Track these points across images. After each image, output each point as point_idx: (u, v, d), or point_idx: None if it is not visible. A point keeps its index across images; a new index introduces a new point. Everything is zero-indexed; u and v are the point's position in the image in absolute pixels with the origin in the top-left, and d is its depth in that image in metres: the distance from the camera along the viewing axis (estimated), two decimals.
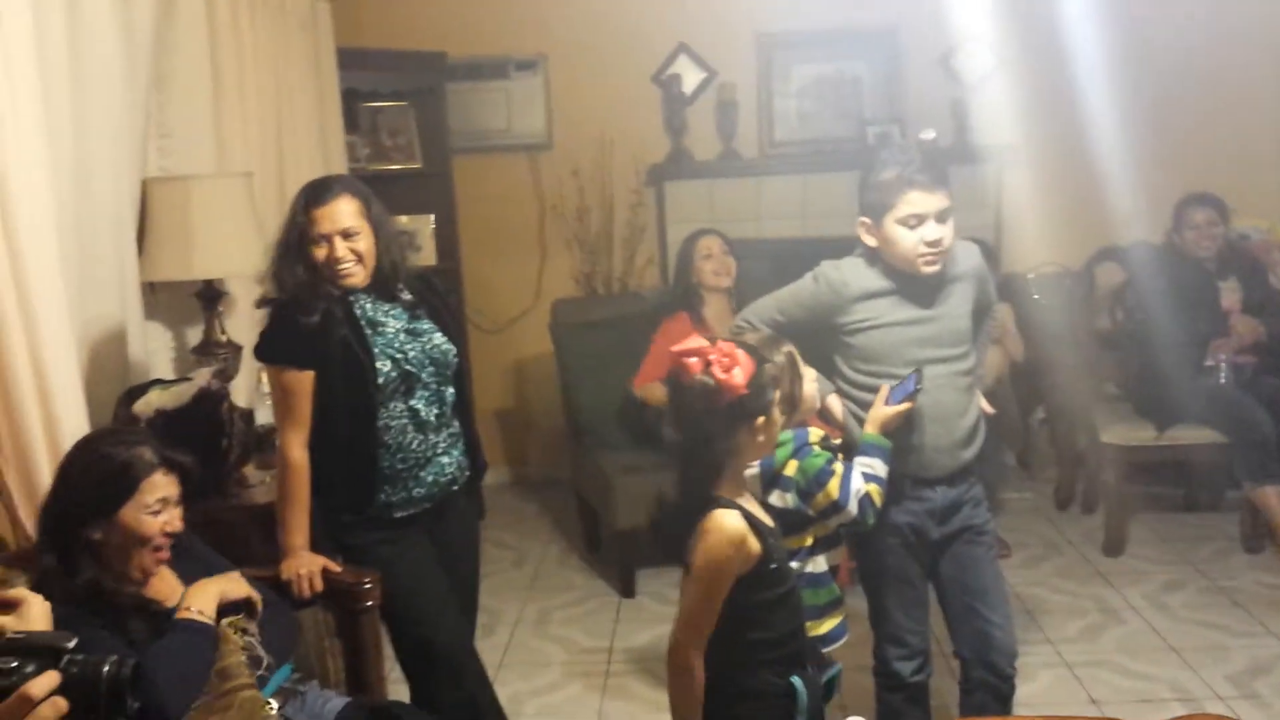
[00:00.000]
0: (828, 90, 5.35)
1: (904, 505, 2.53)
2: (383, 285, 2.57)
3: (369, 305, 2.56)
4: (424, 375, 2.55)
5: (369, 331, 2.53)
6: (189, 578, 2.18)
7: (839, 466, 2.35)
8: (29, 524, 2.25)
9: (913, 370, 2.42)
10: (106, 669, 1.11)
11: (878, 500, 2.36)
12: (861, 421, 2.47)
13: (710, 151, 5.33)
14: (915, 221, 2.40)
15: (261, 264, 2.62)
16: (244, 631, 2.14)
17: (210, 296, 3.20)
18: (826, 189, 5.15)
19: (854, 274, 2.52)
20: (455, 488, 2.66)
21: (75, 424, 2.30)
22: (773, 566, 1.93)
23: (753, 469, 2.28)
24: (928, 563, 2.60)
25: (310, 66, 4.13)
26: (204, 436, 2.77)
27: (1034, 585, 4.05)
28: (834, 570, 2.47)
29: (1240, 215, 4.63)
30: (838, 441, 2.49)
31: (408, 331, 2.58)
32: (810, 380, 2.28)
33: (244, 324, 3.35)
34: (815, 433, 2.41)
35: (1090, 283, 4.76)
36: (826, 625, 2.40)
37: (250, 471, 3.04)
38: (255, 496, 2.93)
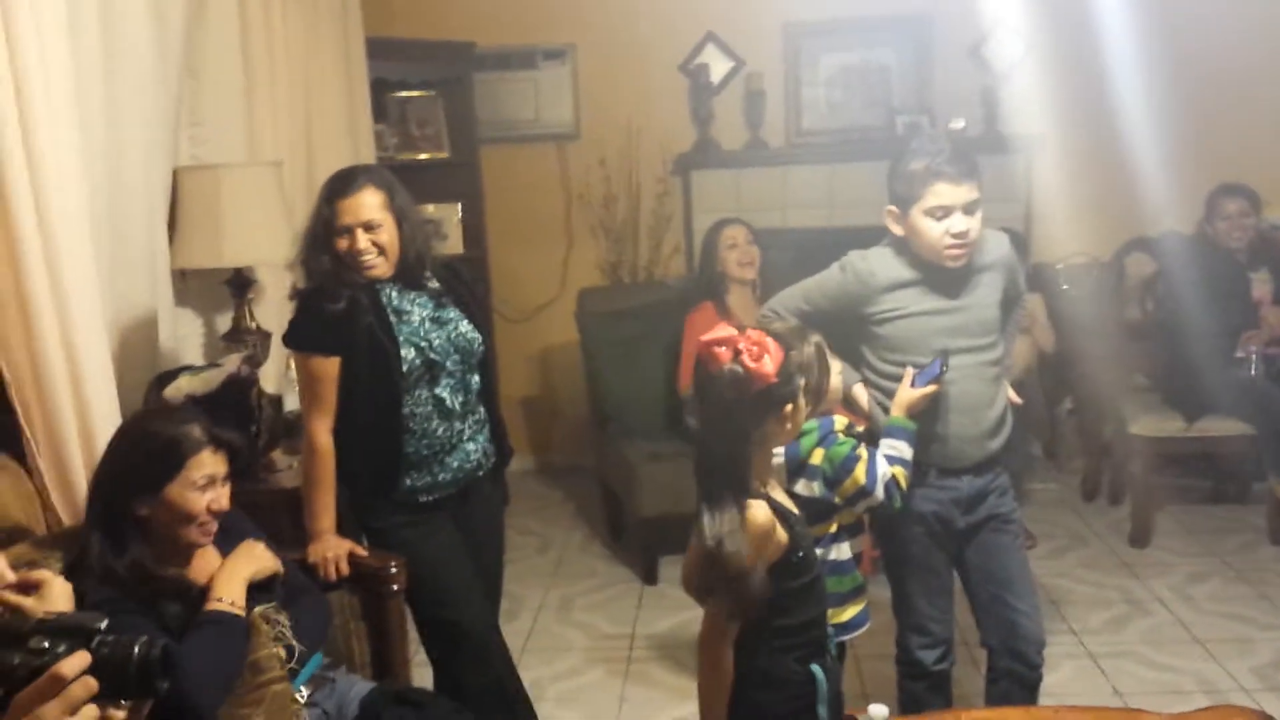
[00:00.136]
0: (855, 79, 5.33)
1: (929, 494, 2.52)
2: (408, 274, 2.59)
3: (395, 294, 2.59)
4: (448, 363, 2.58)
5: (394, 319, 2.55)
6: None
7: (864, 452, 2.36)
8: (61, 508, 2.29)
9: (938, 354, 2.42)
10: (136, 650, 1.12)
11: (903, 483, 2.37)
12: (888, 411, 2.47)
13: (737, 141, 5.32)
14: (942, 213, 2.39)
15: (290, 252, 2.65)
16: (275, 622, 2.14)
17: (240, 284, 3.23)
18: (853, 179, 5.12)
19: (881, 264, 2.51)
20: (480, 474, 2.69)
21: (106, 409, 2.33)
22: (799, 555, 1.93)
23: (778, 458, 2.28)
24: (954, 552, 2.60)
25: (340, 56, 4.16)
26: (233, 422, 2.79)
27: (1059, 576, 4.04)
28: (857, 558, 2.47)
29: (1272, 206, 4.58)
30: (861, 429, 2.49)
31: (433, 320, 2.60)
32: (835, 373, 2.28)
33: (273, 311, 3.39)
34: (840, 420, 2.42)
35: (1120, 273, 4.73)
36: (849, 612, 2.41)
37: (278, 456, 3.07)
38: (283, 481, 2.96)
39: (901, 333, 2.50)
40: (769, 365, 1.84)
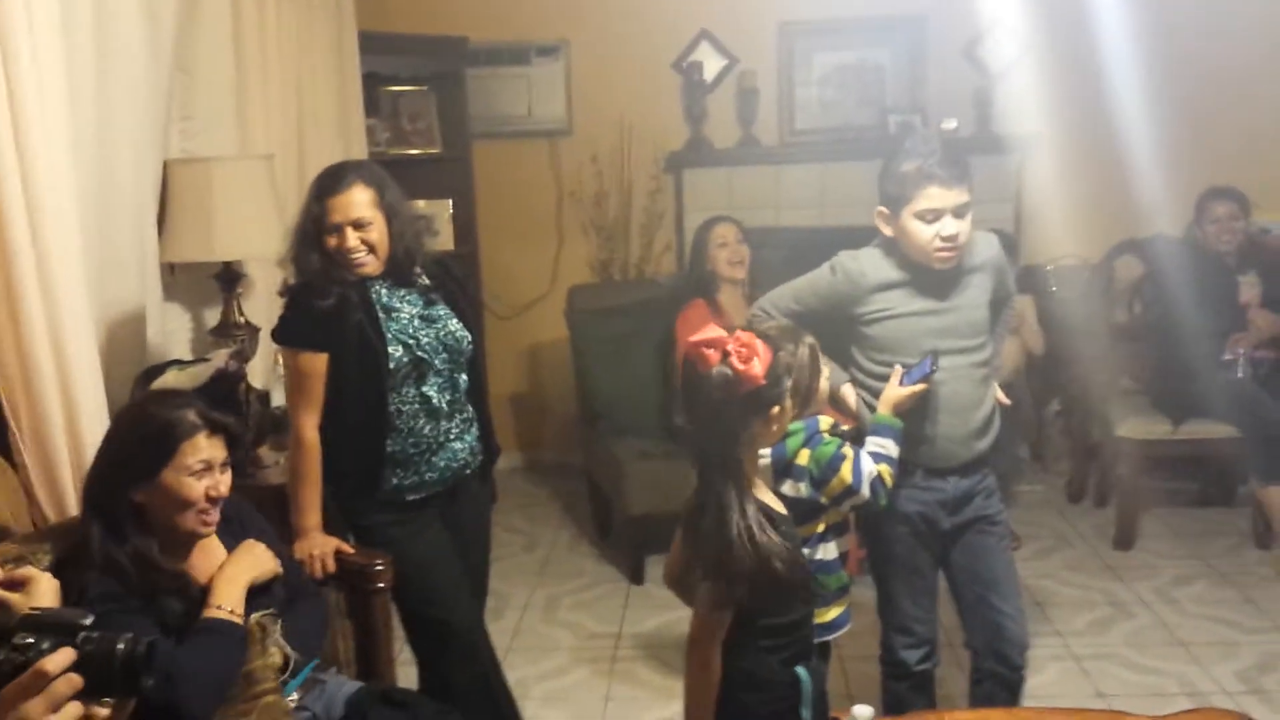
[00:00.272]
0: (849, 78, 5.34)
1: (915, 494, 2.54)
2: (398, 271, 2.59)
3: (384, 291, 2.58)
4: (437, 361, 2.57)
5: (383, 317, 2.55)
6: None
7: (849, 451, 2.37)
8: (47, 503, 2.28)
9: (928, 353, 2.42)
10: (121, 646, 1.13)
11: (889, 480, 2.37)
12: (875, 410, 2.48)
13: (730, 139, 5.32)
14: (932, 216, 2.40)
15: (281, 247, 2.64)
16: (271, 631, 2.11)
17: (229, 278, 3.22)
18: (846, 178, 5.13)
19: (871, 264, 2.52)
20: (468, 472, 2.68)
21: (93, 404, 2.33)
22: (772, 560, 1.93)
23: (764, 459, 2.29)
24: (939, 552, 2.61)
25: (332, 50, 4.15)
26: None
27: (1044, 578, 4.05)
28: (843, 558, 2.48)
29: (1262, 209, 4.60)
30: (846, 428, 2.49)
31: (422, 317, 2.60)
32: (824, 377, 2.29)
33: (262, 306, 3.38)
34: (825, 420, 2.42)
35: (1109, 275, 4.74)
36: (832, 612, 2.42)
37: (265, 452, 3.07)
38: (270, 477, 2.96)
39: (890, 333, 2.50)
40: (758, 368, 1.85)
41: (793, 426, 2.32)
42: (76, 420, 2.28)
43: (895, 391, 2.43)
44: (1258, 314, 4.27)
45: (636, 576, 4.16)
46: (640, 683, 3.42)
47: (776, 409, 1.93)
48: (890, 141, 5.00)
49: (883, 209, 2.49)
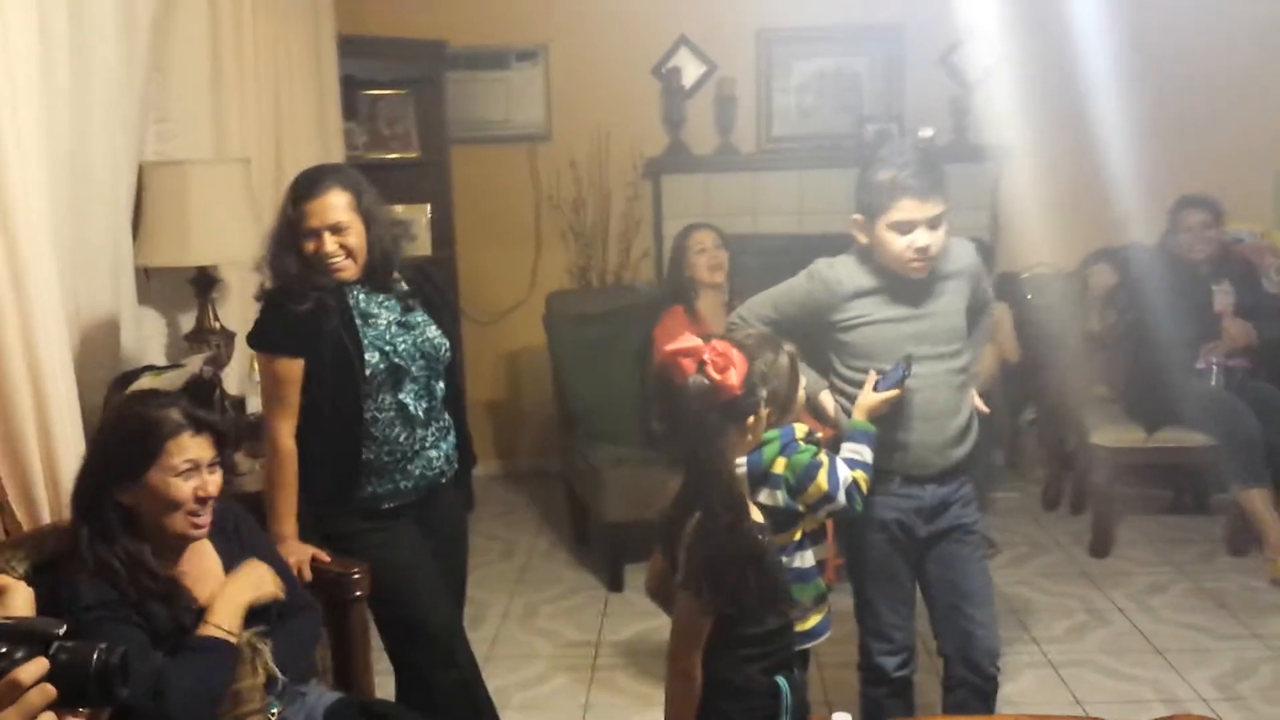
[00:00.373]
0: (828, 86, 5.36)
1: (892, 502, 2.54)
2: (375, 276, 2.57)
3: (362, 297, 2.57)
4: (413, 369, 2.56)
5: (360, 323, 2.53)
6: (230, 564, 2.14)
7: (824, 458, 2.37)
8: (19, 510, 2.25)
9: (903, 359, 2.43)
10: (95, 657, 1.11)
11: (864, 486, 2.38)
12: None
13: (708, 146, 5.33)
14: (906, 227, 2.41)
15: (257, 251, 2.62)
16: (260, 652, 2.08)
17: (204, 283, 3.20)
18: (823, 185, 5.15)
19: (847, 271, 2.53)
20: (443, 480, 2.67)
21: (66, 410, 2.30)
22: (762, 566, 1.93)
23: (741, 468, 2.29)
24: (915, 560, 2.62)
25: (310, 53, 4.13)
26: None
27: (1020, 585, 4.07)
28: (820, 565, 2.48)
29: (1235, 218, 4.65)
30: (821, 435, 2.50)
31: (400, 324, 2.58)
32: (799, 387, 2.30)
33: (237, 311, 3.36)
34: (801, 428, 2.42)
35: (1084, 284, 4.78)
36: (812, 620, 2.41)
37: (241, 459, 3.04)
38: (245, 484, 2.93)
39: (867, 340, 2.51)
40: (734, 377, 1.84)
41: (768, 435, 2.32)
42: (49, 426, 2.25)
43: (870, 397, 2.44)
44: (1231, 323, 4.30)
45: (615, 584, 4.15)
46: (619, 690, 3.42)
47: (752, 418, 1.93)
48: (867, 149, 5.02)
49: (857, 217, 2.50)
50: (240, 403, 3.12)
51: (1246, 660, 3.45)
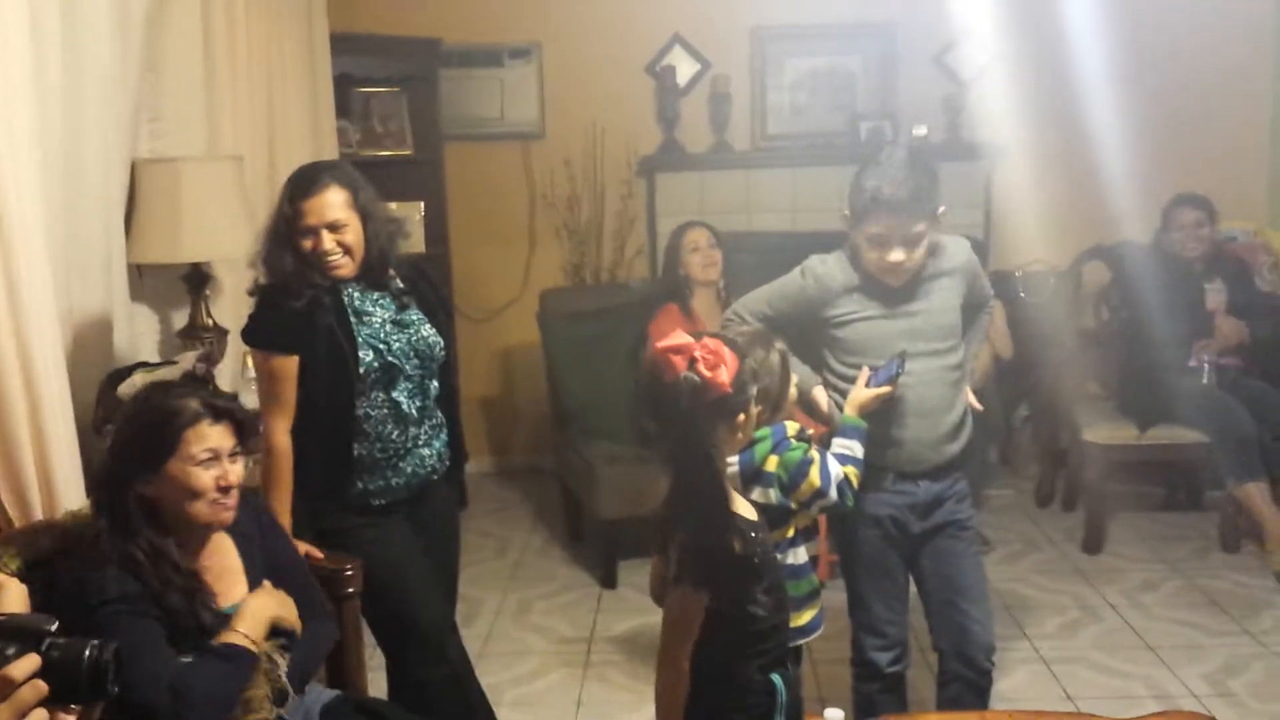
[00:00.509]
0: (821, 84, 5.37)
1: (886, 498, 2.55)
2: (371, 274, 2.57)
3: (357, 295, 2.57)
4: (408, 367, 2.56)
5: (354, 321, 2.53)
6: (251, 562, 2.14)
7: (815, 454, 2.38)
8: (12, 508, 2.24)
9: (896, 355, 2.44)
10: (87, 653, 1.12)
11: (855, 481, 2.39)
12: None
13: (702, 144, 5.33)
14: (881, 241, 2.43)
15: (250, 248, 2.62)
16: (275, 664, 2.08)
17: (197, 280, 3.20)
18: (817, 183, 5.15)
19: (840, 268, 2.54)
20: (435, 477, 2.67)
21: (59, 407, 2.29)
22: (755, 562, 1.93)
23: (733, 466, 2.29)
24: (909, 555, 2.63)
25: (303, 50, 4.12)
26: None
27: (1013, 581, 4.08)
28: (813, 561, 2.49)
29: (1228, 217, 4.66)
30: (811, 432, 2.50)
31: (394, 322, 2.58)
32: (791, 384, 2.30)
33: (230, 308, 3.35)
34: (792, 426, 2.43)
35: (1077, 281, 4.79)
36: (805, 616, 2.42)
37: None
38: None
39: (859, 336, 2.52)
40: (724, 375, 1.84)
41: (759, 433, 2.33)
42: (41, 424, 2.24)
43: (861, 393, 2.45)
44: (1224, 321, 4.31)
45: (608, 580, 4.15)
46: (613, 686, 3.42)
47: (742, 416, 1.93)
48: (862, 147, 5.04)
49: (847, 214, 2.51)
50: (232, 399, 3.10)
51: (1238, 657, 3.46)
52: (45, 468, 2.25)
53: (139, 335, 3.16)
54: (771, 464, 2.37)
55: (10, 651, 1.09)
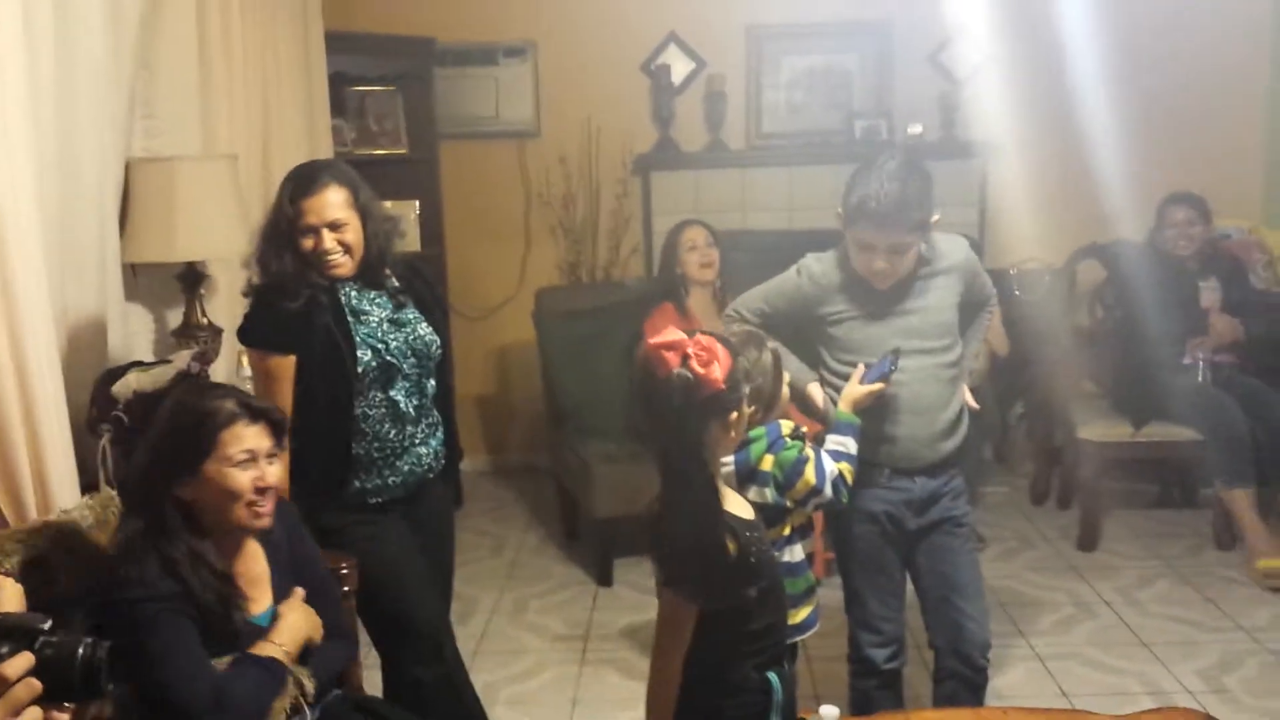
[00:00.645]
0: (817, 82, 5.37)
1: (881, 494, 2.56)
2: (369, 273, 2.57)
3: (354, 294, 2.57)
4: (405, 366, 2.56)
5: (352, 320, 2.53)
6: (278, 571, 2.15)
7: (811, 452, 2.39)
8: (7, 508, 2.24)
9: (889, 352, 2.44)
10: (81, 651, 1.12)
11: (849, 478, 2.40)
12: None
13: (697, 142, 5.33)
14: (866, 248, 2.43)
15: (245, 247, 2.62)
16: (301, 685, 2.08)
17: (191, 279, 3.19)
18: (813, 181, 5.16)
19: (834, 267, 2.55)
20: (430, 476, 2.67)
21: (53, 406, 2.29)
22: (750, 561, 1.93)
23: (728, 466, 2.30)
24: (904, 552, 2.63)
25: (298, 49, 4.12)
26: None
27: (1008, 578, 4.08)
28: (809, 559, 2.49)
29: (1222, 215, 4.66)
30: (805, 430, 2.51)
31: (391, 321, 2.58)
32: (783, 385, 2.31)
33: (225, 307, 3.35)
34: (787, 425, 2.44)
35: (1071, 280, 4.79)
36: (801, 614, 2.43)
37: None
38: None
39: (855, 334, 2.53)
40: (717, 371, 1.84)
41: (754, 433, 2.33)
42: (36, 423, 2.24)
43: (855, 389, 2.46)
44: (1218, 318, 4.32)
45: (604, 578, 4.16)
46: (608, 685, 3.42)
47: (734, 414, 1.93)
48: (856, 146, 5.05)
49: (840, 212, 2.51)
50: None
51: (1232, 653, 3.46)
52: (40, 467, 2.24)
53: (133, 334, 3.15)
54: (767, 463, 2.37)
55: (4, 650, 1.09)
